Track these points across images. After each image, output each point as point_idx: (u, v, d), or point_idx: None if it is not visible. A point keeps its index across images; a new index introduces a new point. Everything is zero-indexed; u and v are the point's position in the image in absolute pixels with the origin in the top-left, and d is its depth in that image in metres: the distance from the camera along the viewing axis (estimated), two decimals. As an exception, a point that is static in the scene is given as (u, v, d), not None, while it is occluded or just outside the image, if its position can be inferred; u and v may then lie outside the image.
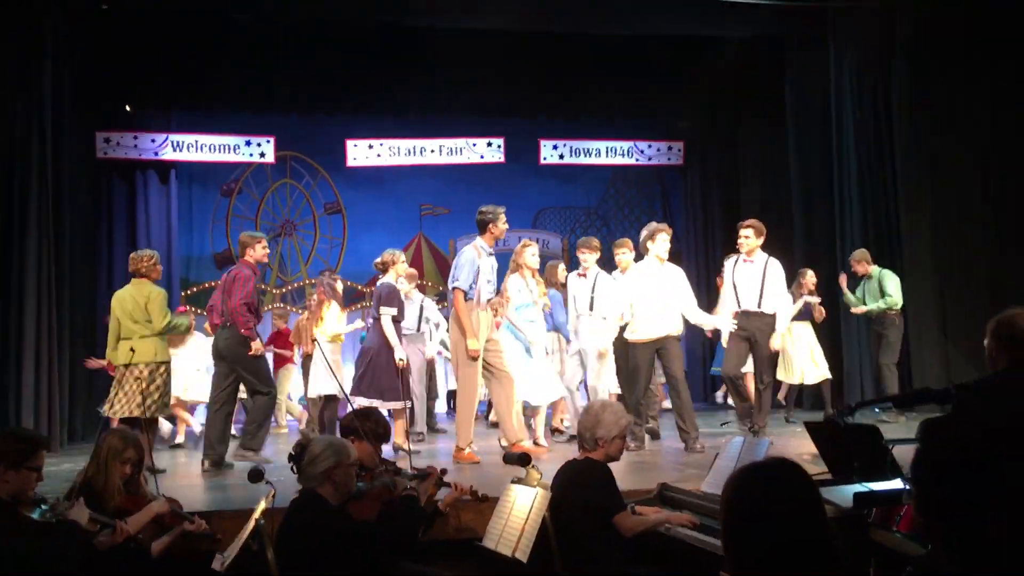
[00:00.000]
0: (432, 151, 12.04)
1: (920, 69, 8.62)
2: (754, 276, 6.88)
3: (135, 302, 6.46)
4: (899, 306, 8.31)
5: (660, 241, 6.68)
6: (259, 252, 6.71)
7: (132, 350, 6.32)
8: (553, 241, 13.26)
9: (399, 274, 7.39)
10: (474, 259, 6.40)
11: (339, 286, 8.31)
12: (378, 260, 7.31)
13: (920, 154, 8.67)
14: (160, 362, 6.45)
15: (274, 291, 12.29)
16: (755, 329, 6.83)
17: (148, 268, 6.56)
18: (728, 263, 7.18)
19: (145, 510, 3.68)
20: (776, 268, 6.92)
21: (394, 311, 7.01)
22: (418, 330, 8.46)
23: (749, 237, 6.92)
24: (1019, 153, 8.10)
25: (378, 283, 7.28)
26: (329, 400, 7.90)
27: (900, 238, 8.99)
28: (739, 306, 6.94)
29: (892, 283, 8.35)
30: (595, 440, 3.79)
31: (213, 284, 12.16)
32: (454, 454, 6.37)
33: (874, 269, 8.45)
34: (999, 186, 8.28)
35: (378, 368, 6.91)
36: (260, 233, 7.24)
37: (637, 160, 12.74)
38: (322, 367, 7.71)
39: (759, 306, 6.85)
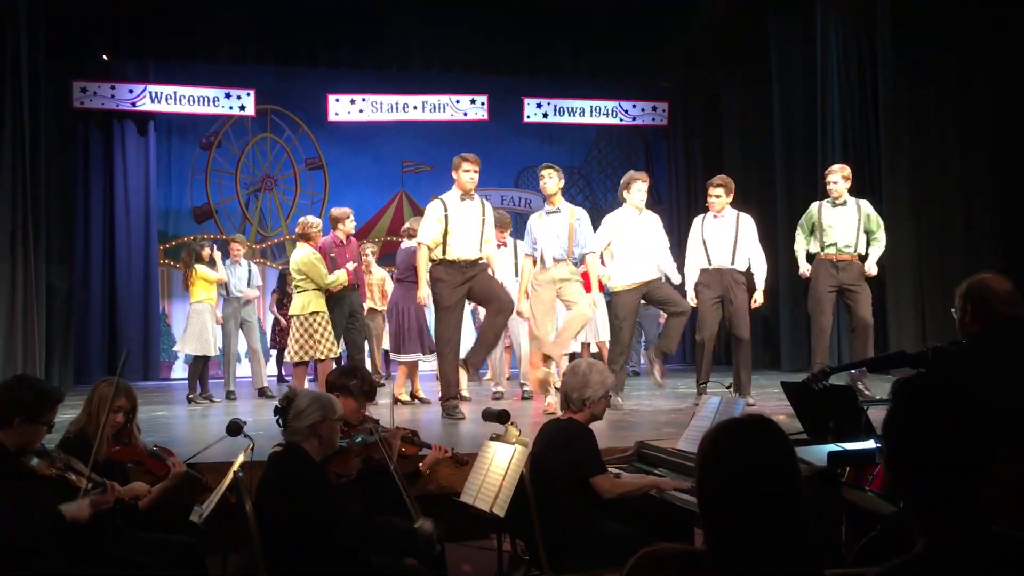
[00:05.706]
0: (415, 107, 11.94)
1: (904, 28, 8.58)
2: (726, 232, 6.71)
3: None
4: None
5: (635, 191, 6.61)
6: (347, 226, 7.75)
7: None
8: (536, 200, 13.21)
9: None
10: (531, 223, 6.52)
11: (206, 251, 8.68)
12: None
13: (903, 113, 8.65)
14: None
15: (254, 247, 12.20)
16: (728, 286, 6.65)
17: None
18: (696, 220, 6.96)
19: (158, 488, 3.62)
20: (749, 222, 6.78)
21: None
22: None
23: (720, 196, 6.75)
24: (999, 113, 8.12)
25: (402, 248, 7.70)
26: (197, 359, 8.39)
27: (882, 197, 9.01)
28: (709, 263, 6.71)
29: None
30: (582, 401, 3.80)
31: (191, 238, 12.13)
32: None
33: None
34: (979, 146, 8.29)
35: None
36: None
37: (621, 120, 12.69)
38: (192, 329, 8.36)
39: (732, 263, 6.67)
